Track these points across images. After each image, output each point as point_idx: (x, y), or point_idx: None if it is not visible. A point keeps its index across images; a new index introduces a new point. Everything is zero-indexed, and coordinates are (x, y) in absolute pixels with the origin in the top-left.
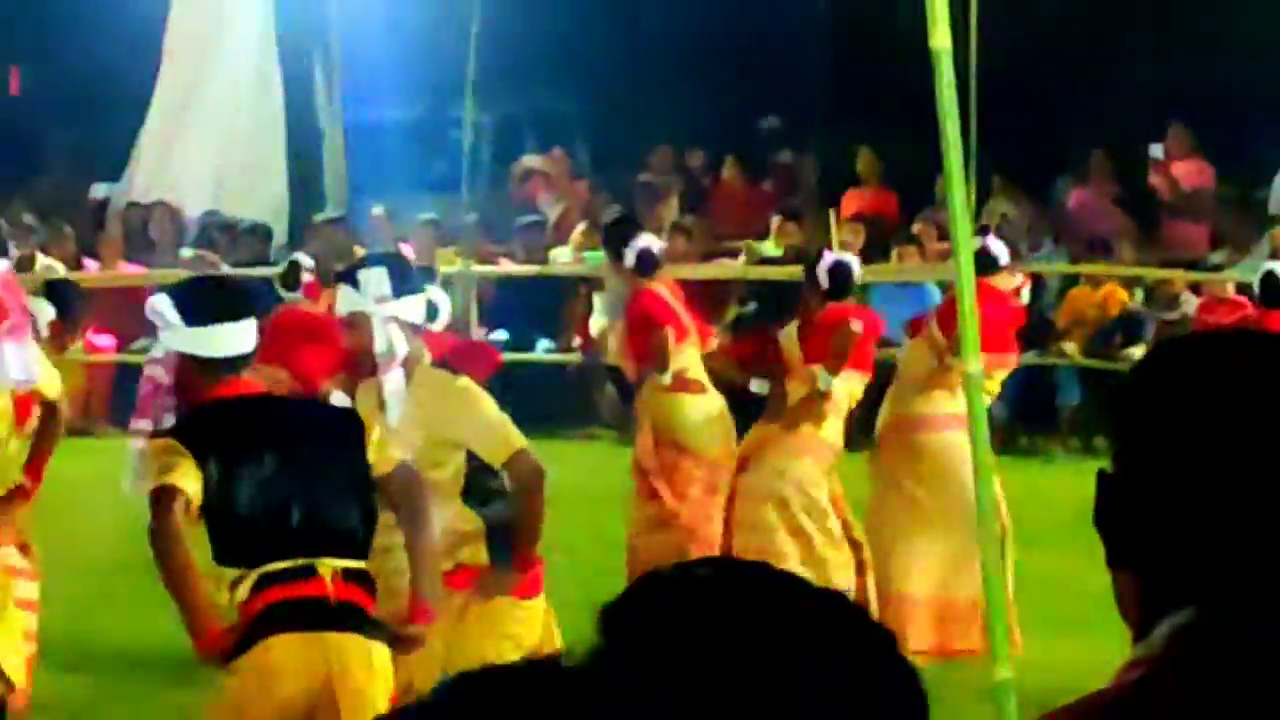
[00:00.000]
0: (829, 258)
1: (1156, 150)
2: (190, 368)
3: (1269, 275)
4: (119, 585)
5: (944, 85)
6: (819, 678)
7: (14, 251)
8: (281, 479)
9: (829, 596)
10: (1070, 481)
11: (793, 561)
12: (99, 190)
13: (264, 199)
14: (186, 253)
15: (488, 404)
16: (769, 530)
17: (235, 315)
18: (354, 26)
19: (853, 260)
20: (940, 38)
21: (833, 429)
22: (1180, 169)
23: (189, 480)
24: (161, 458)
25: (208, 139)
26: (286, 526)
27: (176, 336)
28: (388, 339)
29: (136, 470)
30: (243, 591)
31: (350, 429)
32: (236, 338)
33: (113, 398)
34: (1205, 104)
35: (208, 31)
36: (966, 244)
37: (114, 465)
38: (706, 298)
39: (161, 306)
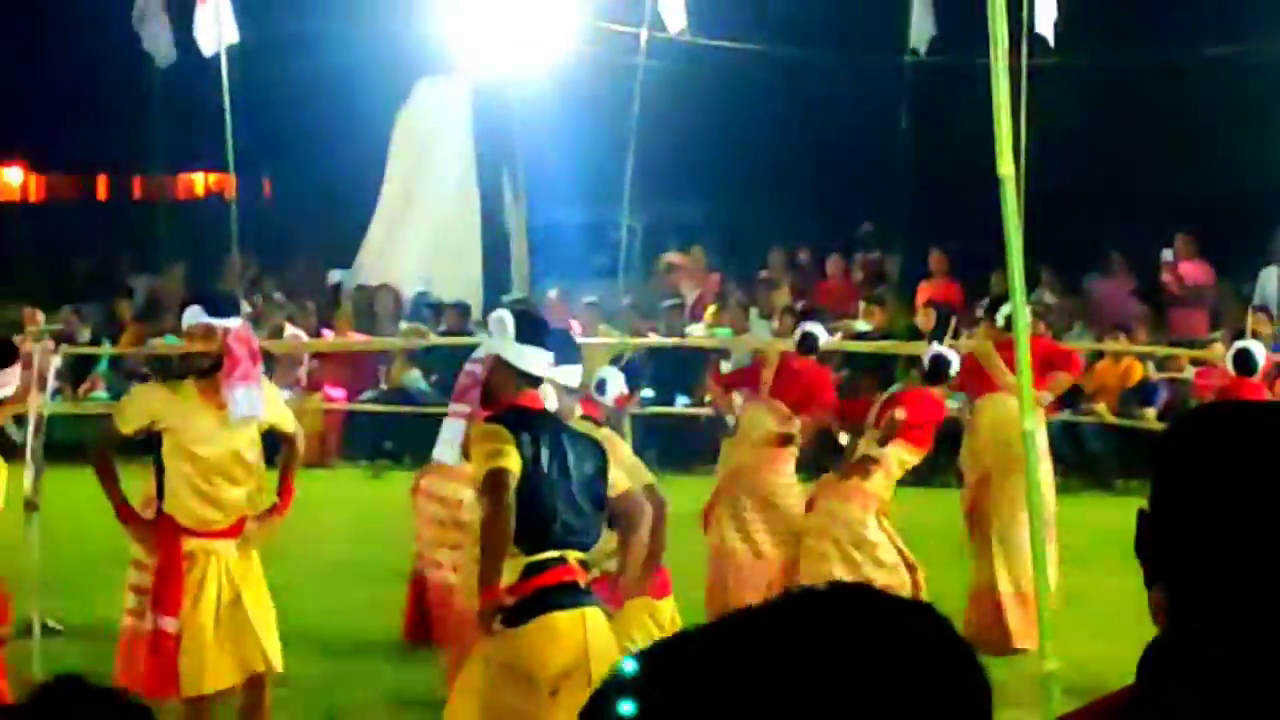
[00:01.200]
0: (933, 349)
1: (1167, 254)
2: (506, 374)
3: (1240, 351)
4: (346, 580)
5: (1009, 204)
6: (907, 680)
7: (268, 321)
8: (559, 484)
9: (919, 608)
10: (1097, 513)
11: None
12: (334, 275)
13: (463, 283)
14: (403, 325)
15: (626, 448)
16: (825, 560)
17: (545, 345)
18: (536, 148)
19: (952, 355)
20: (1005, 166)
21: (879, 483)
22: (1186, 268)
23: (514, 464)
24: (492, 441)
25: (420, 235)
26: (554, 524)
27: (506, 346)
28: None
29: (449, 441)
30: (510, 574)
31: (601, 454)
32: (544, 361)
33: (343, 437)
34: (1206, 216)
35: (420, 151)
36: (1023, 326)
37: (346, 489)
38: None
39: (504, 318)
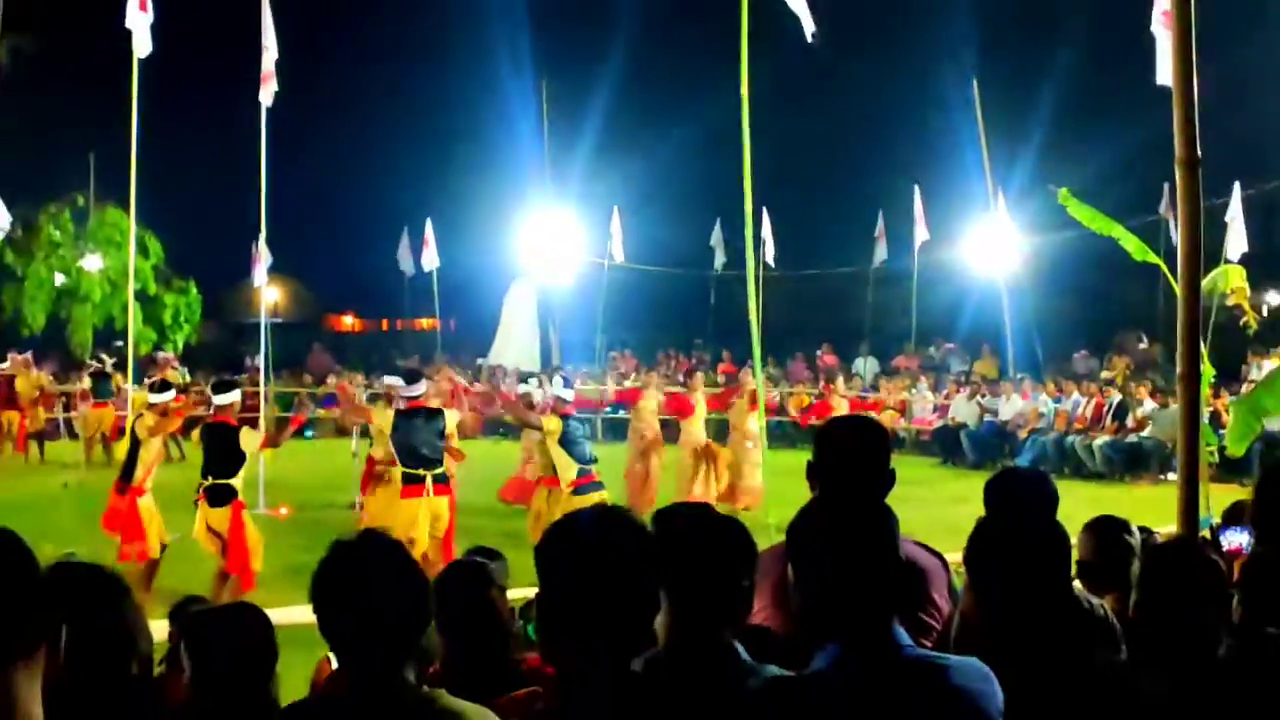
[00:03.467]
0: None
1: None
2: (552, 399)
3: None
4: None
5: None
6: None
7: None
8: (580, 428)
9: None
10: None
11: None
12: (480, 361)
13: (529, 363)
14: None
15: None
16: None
17: (566, 385)
18: (562, 311)
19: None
20: (755, 321)
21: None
22: None
23: (555, 425)
24: (554, 421)
25: (514, 346)
26: (582, 454)
27: (554, 387)
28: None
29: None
30: (573, 473)
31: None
32: (565, 392)
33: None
34: None
35: (514, 310)
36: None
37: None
38: None
39: (553, 378)
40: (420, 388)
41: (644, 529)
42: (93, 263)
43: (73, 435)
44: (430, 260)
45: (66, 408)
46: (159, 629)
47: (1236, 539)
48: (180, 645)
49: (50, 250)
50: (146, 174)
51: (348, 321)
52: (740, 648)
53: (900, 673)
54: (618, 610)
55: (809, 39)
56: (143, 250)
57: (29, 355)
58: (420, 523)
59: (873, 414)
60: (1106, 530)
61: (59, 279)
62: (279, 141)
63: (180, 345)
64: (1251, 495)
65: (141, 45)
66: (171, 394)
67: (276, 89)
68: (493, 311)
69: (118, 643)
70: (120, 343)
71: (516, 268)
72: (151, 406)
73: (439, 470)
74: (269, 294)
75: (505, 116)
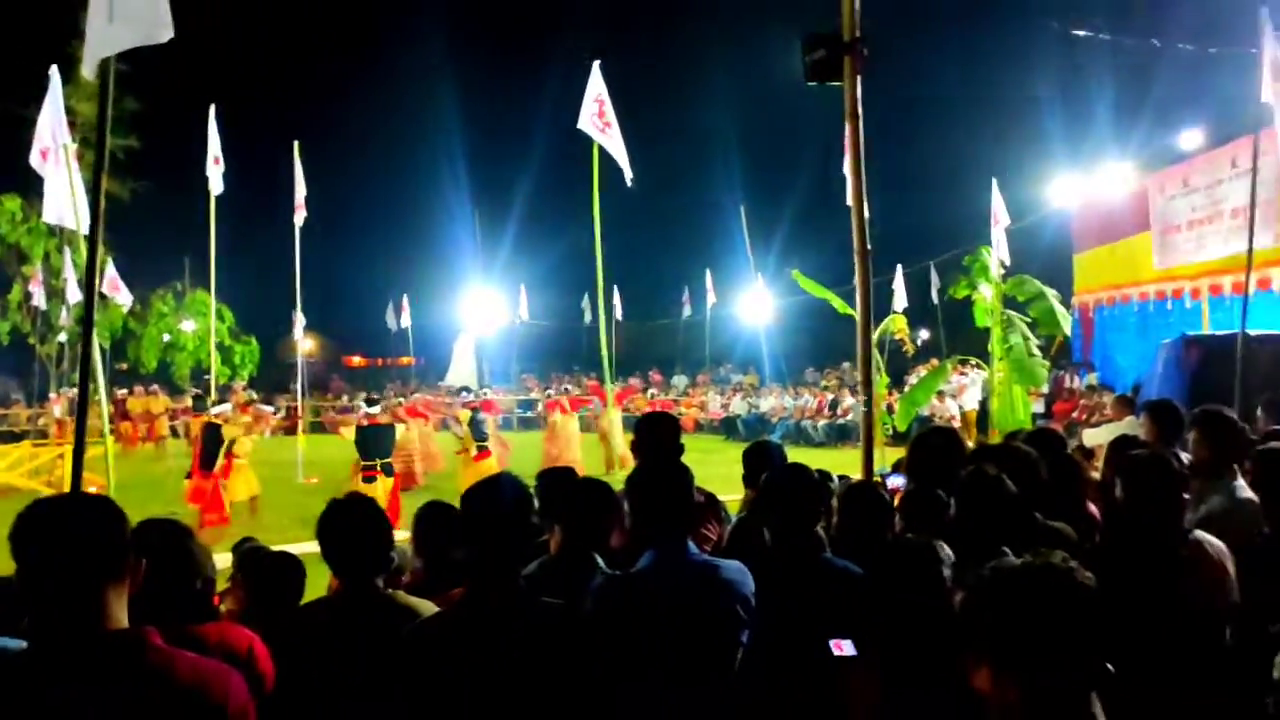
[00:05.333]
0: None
1: None
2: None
3: None
4: None
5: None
6: None
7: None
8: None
9: None
10: None
11: None
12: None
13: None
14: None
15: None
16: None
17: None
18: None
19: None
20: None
21: None
22: None
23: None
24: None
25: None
26: None
27: (476, 392)
28: None
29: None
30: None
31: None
32: (493, 399)
33: None
34: None
35: (460, 354)
36: None
37: None
38: None
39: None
40: (375, 409)
41: (526, 486)
42: (188, 325)
43: (175, 436)
44: (405, 320)
45: (171, 417)
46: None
47: (896, 482)
48: (237, 570)
49: (159, 318)
50: (221, 267)
51: (356, 360)
52: (597, 557)
53: (690, 569)
54: (510, 535)
55: (628, 183)
56: (219, 317)
57: (155, 387)
58: (378, 493)
59: (683, 409)
60: (824, 478)
61: (165, 337)
62: (308, 245)
63: (246, 377)
64: (906, 454)
65: (216, 185)
66: (228, 406)
67: (305, 214)
68: (447, 352)
69: (181, 570)
70: (207, 376)
71: (460, 324)
72: (217, 414)
73: (386, 461)
74: (304, 343)
75: (451, 226)
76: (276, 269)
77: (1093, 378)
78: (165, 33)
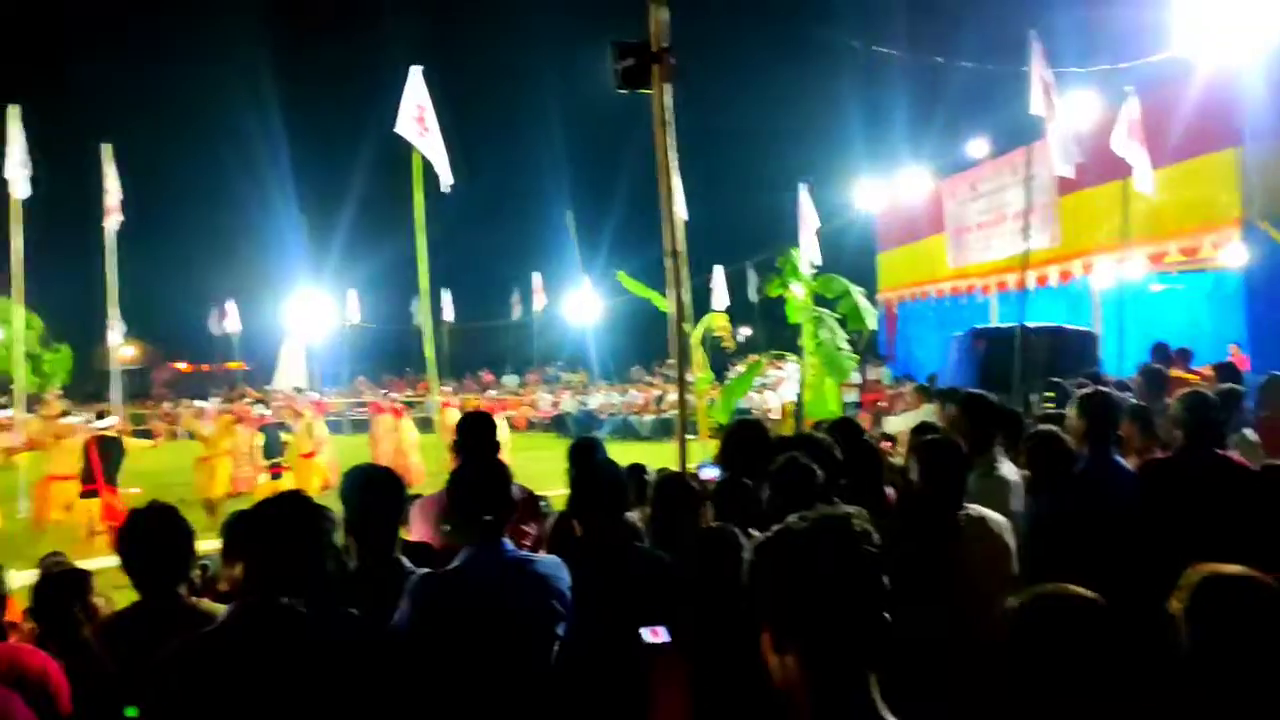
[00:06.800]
0: None
1: None
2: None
3: None
4: None
5: None
6: None
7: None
8: None
9: None
10: None
11: None
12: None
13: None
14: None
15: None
16: None
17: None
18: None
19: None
20: None
21: None
22: None
23: None
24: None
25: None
26: None
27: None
28: None
29: None
30: None
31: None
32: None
33: None
34: None
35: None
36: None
37: None
38: None
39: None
40: (106, 423)
41: (308, 503)
42: None
43: None
44: (231, 325)
45: None
46: None
47: (711, 473)
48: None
49: None
50: (29, 274)
51: (181, 366)
52: (404, 559)
53: (504, 565)
54: (283, 552)
55: (444, 188)
56: (28, 324)
57: None
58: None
59: (511, 412)
60: (639, 470)
61: None
62: (126, 249)
63: (58, 386)
64: (719, 446)
65: (20, 189)
66: (115, 419)
67: (121, 217)
68: (275, 356)
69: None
70: (13, 386)
71: (288, 327)
72: (106, 428)
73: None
74: (124, 350)
75: (277, 229)
76: (91, 274)
77: (885, 370)
78: None
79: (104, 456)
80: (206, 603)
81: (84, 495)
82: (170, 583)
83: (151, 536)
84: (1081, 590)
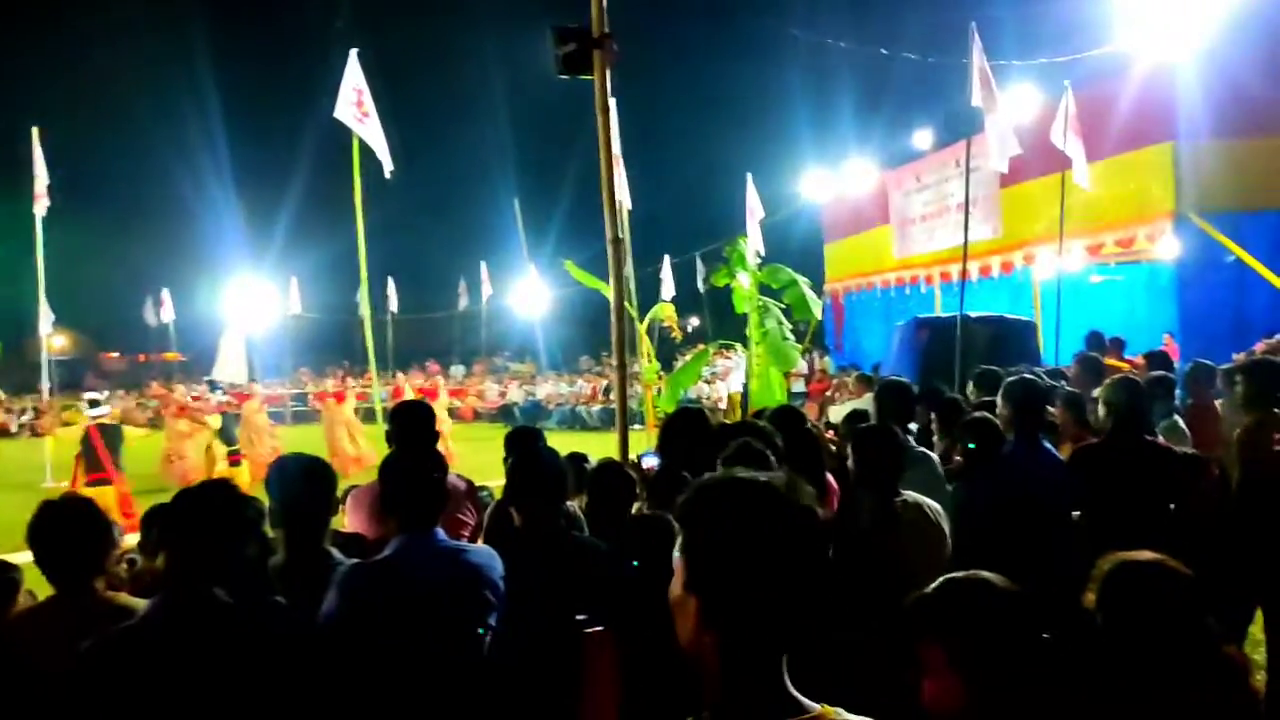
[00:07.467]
0: None
1: None
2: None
3: None
4: None
5: None
6: None
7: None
8: None
9: None
10: None
11: None
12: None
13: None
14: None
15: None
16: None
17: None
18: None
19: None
20: None
21: None
22: None
23: None
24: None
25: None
26: None
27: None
28: None
29: None
30: None
31: None
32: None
33: None
34: None
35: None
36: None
37: None
38: None
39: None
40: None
41: (236, 493)
42: None
43: None
44: (166, 314)
45: None
46: None
47: (651, 461)
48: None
49: None
50: None
51: (115, 356)
52: (334, 550)
53: (436, 555)
54: (202, 543)
55: (386, 174)
56: None
57: None
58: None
59: (457, 402)
60: (579, 459)
61: None
62: (56, 237)
63: None
64: (658, 435)
65: None
66: (106, 408)
67: (49, 202)
68: (213, 346)
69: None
70: None
71: (227, 317)
72: (98, 416)
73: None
74: (54, 340)
75: (215, 216)
76: (19, 262)
77: (827, 360)
78: None
79: (109, 445)
80: (124, 597)
81: (92, 484)
82: (86, 576)
83: (63, 529)
84: (1000, 579)
